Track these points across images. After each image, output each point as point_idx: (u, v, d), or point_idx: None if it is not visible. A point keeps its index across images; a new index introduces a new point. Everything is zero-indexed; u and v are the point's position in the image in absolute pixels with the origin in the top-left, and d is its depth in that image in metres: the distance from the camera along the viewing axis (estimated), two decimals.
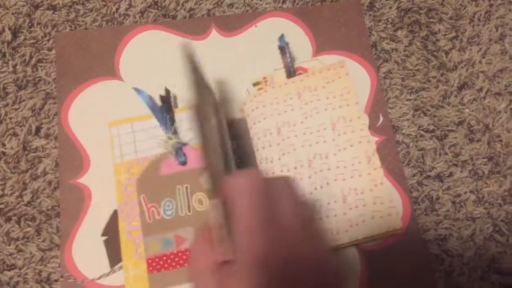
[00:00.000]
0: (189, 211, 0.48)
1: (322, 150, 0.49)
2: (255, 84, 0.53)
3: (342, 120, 0.49)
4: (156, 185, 0.49)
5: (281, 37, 0.53)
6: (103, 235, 0.48)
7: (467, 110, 0.53)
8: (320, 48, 0.55)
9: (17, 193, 0.49)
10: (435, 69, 0.55)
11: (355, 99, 0.50)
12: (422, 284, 0.47)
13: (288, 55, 0.52)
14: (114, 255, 0.47)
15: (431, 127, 0.52)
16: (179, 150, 0.50)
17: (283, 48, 0.53)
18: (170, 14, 0.56)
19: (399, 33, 0.56)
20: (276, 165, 0.49)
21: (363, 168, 0.48)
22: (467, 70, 0.55)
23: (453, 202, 0.50)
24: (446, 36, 0.56)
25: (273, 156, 0.49)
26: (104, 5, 0.56)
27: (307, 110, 0.50)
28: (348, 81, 0.51)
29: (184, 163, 0.50)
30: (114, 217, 0.48)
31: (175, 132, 0.50)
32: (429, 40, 0.56)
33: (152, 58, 0.54)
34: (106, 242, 0.48)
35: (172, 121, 0.51)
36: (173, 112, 0.51)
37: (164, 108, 0.51)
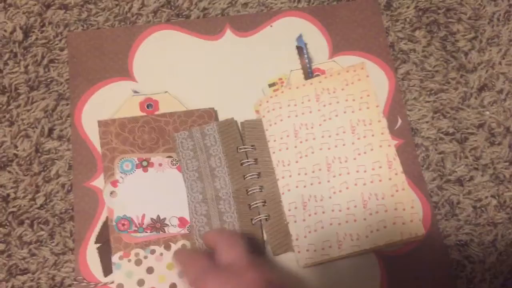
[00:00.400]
0: None
1: (341, 153, 0.48)
2: (270, 85, 0.52)
3: (362, 123, 0.48)
4: None
5: (299, 37, 0.51)
6: (96, 242, 0.47)
7: (487, 112, 0.52)
8: (336, 48, 0.54)
9: (30, 196, 0.48)
10: (454, 70, 0.54)
11: (375, 102, 0.49)
12: None
13: (306, 55, 0.51)
14: (107, 263, 0.46)
15: (451, 130, 0.51)
16: None
17: (301, 49, 0.51)
18: (183, 13, 0.55)
19: (417, 33, 0.55)
20: (294, 168, 0.48)
21: (384, 173, 0.47)
22: (487, 71, 0.54)
23: (474, 207, 0.49)
24: (465, 37, 0.55)
25: (290, 159, 0.48)
26: (117, 5, 0.55)
27: (326, 112, 0.49)
28: (369, 83, 0.50)
29: None
30: (106, 224, 0.48)
31: None
32: (448, 40, 0.55)
33: (166, 58, 0.53)
34: (99, 250, 0.47)
35: None
36: None
37: None
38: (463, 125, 0.52)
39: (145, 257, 0.46)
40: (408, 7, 0.55)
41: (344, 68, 0.51)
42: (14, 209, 0.48)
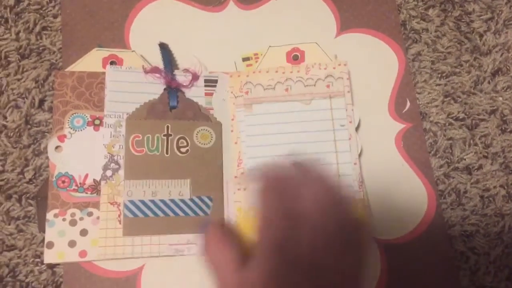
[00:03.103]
0: None
1: None
2: (244, 59, 0.49)
3: None
4: None
5: None
6: (37, 196, 0.45)
7: (500, 98, 0.50)
8: (344, 25, 0.51)
9: (18, 170, 0.46)
10: (468, 53, 0.51)
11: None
12: (445, 283, 0.45)
13: None
14: (43, 219, 0.44)
15: (461, 115, 0.49)
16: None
17: None
18: None
19: (430, 11, 0.52)
20: None
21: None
22: (502, 54, 0.51)
23: (482, 197, 0.47)
24: (481, 17, 0.52)
25: None
26: None
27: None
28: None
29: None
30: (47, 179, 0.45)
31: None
32: (463, 20, 0.52)
33: (165, 29, 0.50)
34: (38, 204, 0.45)
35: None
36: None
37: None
38: (474, 111, 0.49)
39: (81, 219, 0.44)
40: None
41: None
42: (2, 183, 0.45)
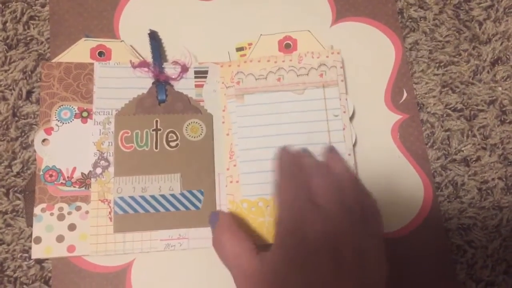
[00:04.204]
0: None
1: None
2: (238, 49, 0.48)
3: None
4: None
5: None
6: (24, 190, 0.44)
7: (499, 88, 0.48)
8: (340, 14, 0.50)
9: (5, 163, 0.45)
10: (466, 42, 0.50)
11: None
12: (441, 276, 0.44)
13: None
14: (31, 213, 0.43)
15: (460, 106, 0.48)
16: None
17: None
18: None
19: None
20: None
21: None
22: (501, 43, 0.49)
23: (479, 189, 0.46)
24: (481, 5, 0.50)
25: None
26: None
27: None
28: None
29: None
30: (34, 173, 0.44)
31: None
32: (462, 8, 0.50)
33: (155, 18, 0.49)
34: (25, 198, 0.44)
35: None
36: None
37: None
38: (472, 101, 0.48)
39: (69, 213, 0.43)
40: None
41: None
42: None
